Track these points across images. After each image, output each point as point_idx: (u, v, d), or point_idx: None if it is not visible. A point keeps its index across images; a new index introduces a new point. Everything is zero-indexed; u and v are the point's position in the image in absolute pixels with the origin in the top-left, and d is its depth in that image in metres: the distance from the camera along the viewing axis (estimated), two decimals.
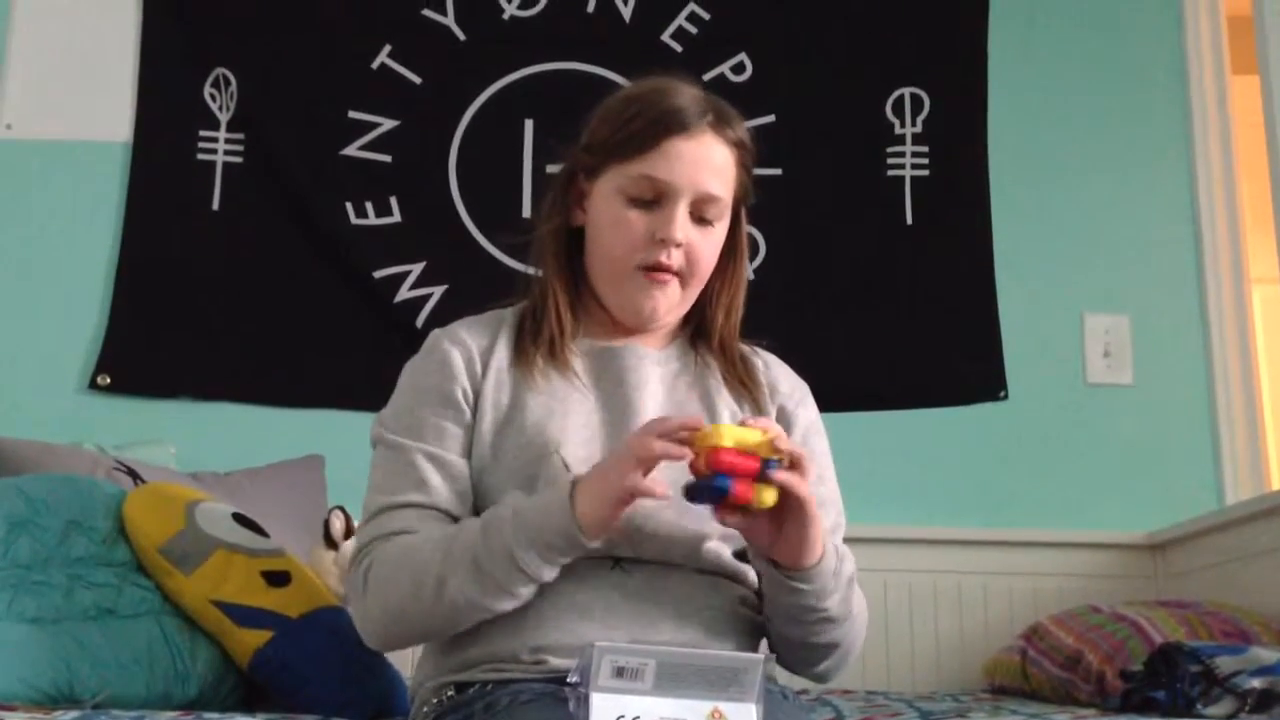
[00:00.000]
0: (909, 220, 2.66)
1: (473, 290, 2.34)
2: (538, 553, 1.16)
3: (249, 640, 1.49)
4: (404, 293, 2.58)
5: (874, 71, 2.71)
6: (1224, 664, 1.54)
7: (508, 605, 1.19)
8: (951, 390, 2.59)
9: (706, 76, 2.61)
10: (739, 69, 2.70)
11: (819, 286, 2.61)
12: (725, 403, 1.35)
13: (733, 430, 1.12)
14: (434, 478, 1.26)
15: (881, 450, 2.51)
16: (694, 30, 2.72)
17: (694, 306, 1.39)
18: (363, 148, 2.64)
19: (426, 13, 2.71)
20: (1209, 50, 2.74)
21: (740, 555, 1.29)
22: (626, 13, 2.73)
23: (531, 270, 1.39)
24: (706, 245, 1.32)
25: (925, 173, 2.67)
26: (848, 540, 1.38)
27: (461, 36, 2.71)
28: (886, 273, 2.63)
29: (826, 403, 1.46)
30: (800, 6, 2.73)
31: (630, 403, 1.31)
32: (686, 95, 1.31)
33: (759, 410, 1.36)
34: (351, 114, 2.64)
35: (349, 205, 2.61)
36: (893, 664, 2.42)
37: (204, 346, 2.53)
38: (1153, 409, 2.60)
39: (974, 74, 2.72)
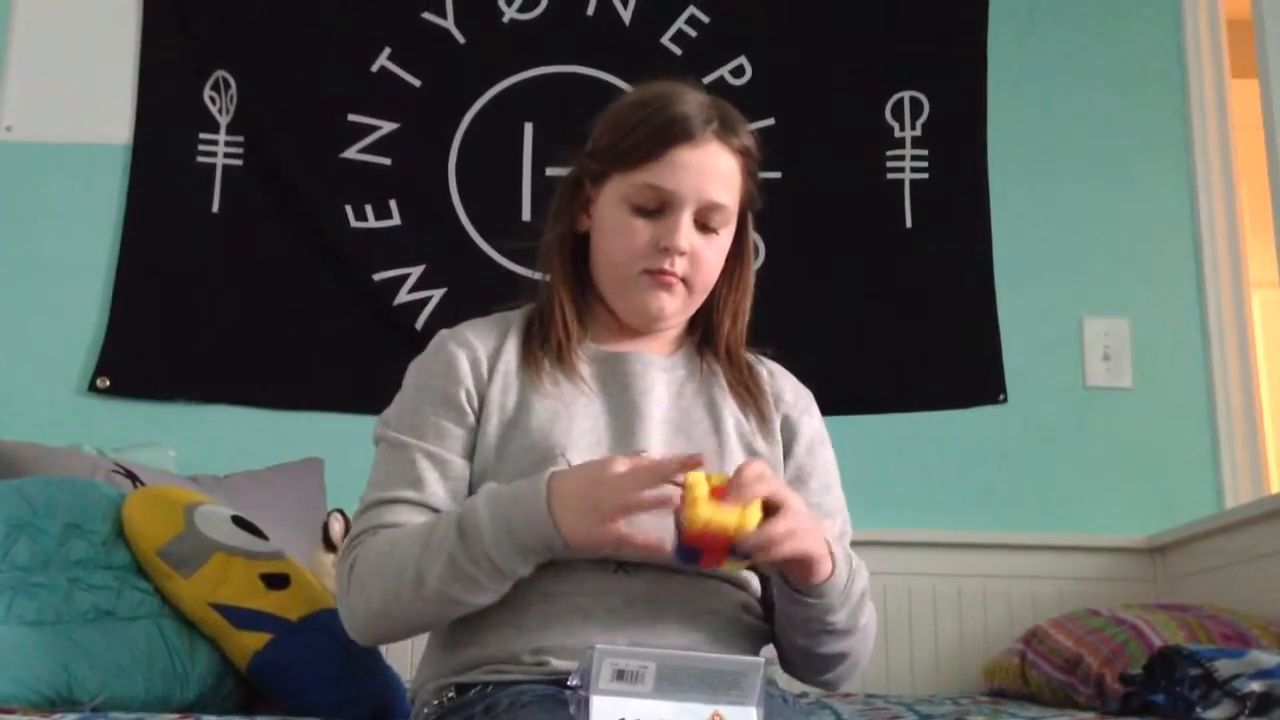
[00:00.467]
0: (908, 224, 2.66)
1: (472, 293, 2.36)
2: (521, 557, 1.16)
3: (248, 643, 1.49)
4: (403, 295, 2.58)
5: (874, 75, 2.71)
6: (1223, 667, 1.54)
7: (488, 600, 1.19)
8: (951, 393, 2.59)
9: (706, 80, 2.61)
10: (738, 72, 2.70)
11: (818, 290, 2.60)
12: (730, 410, 1.35)
13: (706, 511, 1.09)
14: (430, 476, 1.26)
15: (881, 453, 2.52)
16: (693, 33, 2.72)
17: (700, 312, 1.39)
18: (362, 150, 2.64)
19: (426, 16, 2.71)
20: (1208, 54, 2.75)
21: None
22: (626, 16, 2.73)
23: (537, 275, 1.40)
24: (711, 253, 1.32)
25: (925, 176, 2.67)
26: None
27: (461, 39, 2.71)
28: (886, 276, 2.63)
29: (826, 406, 1.46)
30: (800, 10, 2.73)
31: (636, 408, 1.31)
32: (692, 102, 1.30)
33: (763, 419, 1.36)
34: (351, 117, 2.65)
35: (349, 208, 2.61)
36: (892, 667, 2.42)
37: (203, 349, 2.53)
38: (1152, 412, 2.60)
39: (973, 78, 2.72)
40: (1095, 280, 2.66)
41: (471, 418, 1.29)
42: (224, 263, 2.58)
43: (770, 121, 2.62)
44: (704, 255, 1.31)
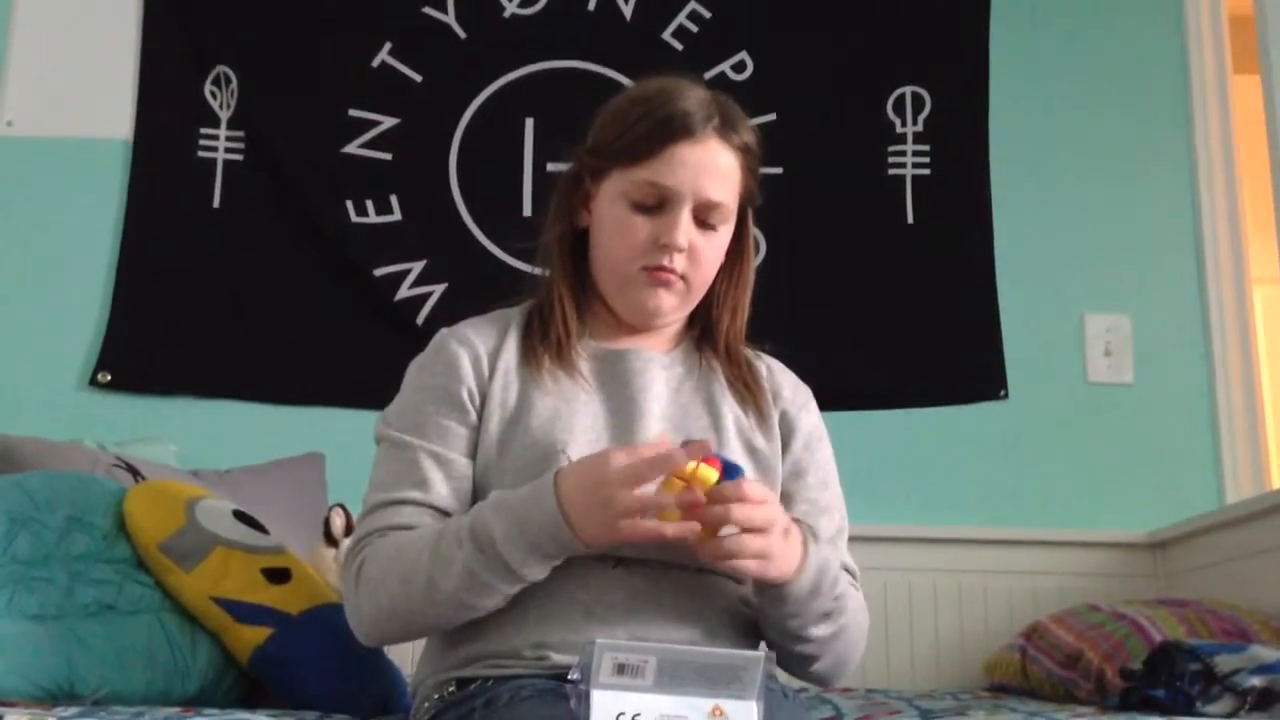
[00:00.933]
0: (910, 219, 2.66)
1: (473, 289, 2.36)
2: (537, 560, 1.16)
3: (249, 637, 1.49)
4: (404, 291, 2.58)
5: (875, 70, 2.71)
6: (1223, 662, 1.54)
7: (499, 604, 1.19)
8: (952, 389, 2.59)
9: (707, 75, 2.61)
10: (740, 67, 2.70)
11: (819, 285, 2.60)
12: (729, 406, 1.35)
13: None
14: (435, 476, 1.26)
15: (882, 449, 2.51)
16: (695, 29, 2.72)
17: (700, 308, 1.39)
18: (363, 146, 2.64)
19: (427, 10, 2.71)
20: (1210, 49, 2.74)
21: None
22: (627, 11, 2.73)
23: (538, 271, 1.39)
24: (710, 249, 1.32)
25: (926, 172, 2.67)
26: (849, 539, 1.38)
27: (462, 34, 2.71)
28: (887, 272, 2.63)
29: (826, 402, 1.46)
30: (801, 5, 2.73)
31: (636, 405, 1.31)
32: (692, 98, 1.30)
33: (762, 415, 1.36)
34: (352, 112, 2.64)
35: (349, 203, 2.61)
36: (892, 662, 2.42)
37: (204, 344, 2.53)
38: (1153, 408, 2.60)
39: (975, 73, 2.72)
40: (1097, 276, 2.66)
41: (473, 416, 1.30)
42: (225, 258, 2.58)
43: (772, 117, 2.62)
44: (703, 252, 1.31)
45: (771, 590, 1.20)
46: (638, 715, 0.97)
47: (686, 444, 1.16)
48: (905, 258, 2.64)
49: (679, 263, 1.30)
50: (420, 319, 2.55)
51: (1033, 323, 2.62)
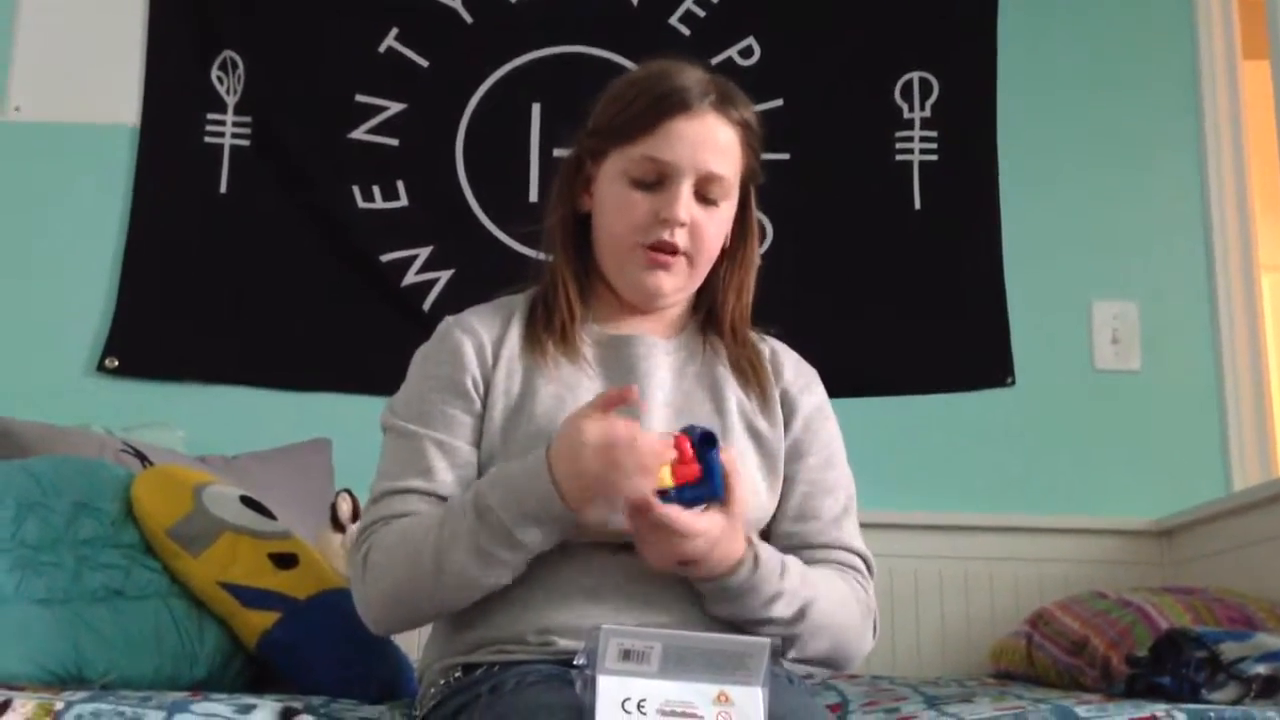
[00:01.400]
0: (917, 205, 2.65)
1: (480, 274, 2.36)
2: (536, 524, 1.17)
3: (256, 622, 1.50)
4: (411, 276, 2.58)
5: (883, 56, 2.70)
6: (1229, 650, 1.54)
7: (504, 579, 1.20)
8: (959, 376, 2.59)
9: (714, 60, 2.60)
10: (747, 53, 2.69)
11: (827, 272, 2.60)
12: (733, 390, 1.35)
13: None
14: (440, 464, 1.26)
15: (888, 436, 2.51)
16: (701, 14, 2.71)
17: (704, 289, 1.39)
18: (370, 131, 2.63)
19: None
20: (1220, 34, 2.73)
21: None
22: None
23: (542, 256, 1.39)
24: (712, 225, 1.32)
25: (934, 158, 2.66)
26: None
27: (469, 19, 2.70)
28: (894, 258, 2.63)
29: (833, 388, 1.45)
30: None
31: (640, 392, 1.31)
32: (689, 76, 1.30)
33: (764, 397, 1.35)
34: (359, 97, 2.64)
35: (356, 189, 2.61)
36: (899, 649, 2.42)
37: (211, 329, 2.54)
38: (1161, 395, 2.60)
39: (983, 59, 2.71)
40: (1104, 263, 2.65)
41: (478, 404, 1.30)
42: (231, 243, 2.58)
43: (779, 102, 2.62)
44: (704, 227, 1.31)
45: (710, 580, 1.21)
46: (643, 701, 0.97)
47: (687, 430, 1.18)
48: (912, 244, 2.63)
49: (680, 238, 1.30)
50: (427, 304, 2.55)
51: (1040, 309, 2.62)
